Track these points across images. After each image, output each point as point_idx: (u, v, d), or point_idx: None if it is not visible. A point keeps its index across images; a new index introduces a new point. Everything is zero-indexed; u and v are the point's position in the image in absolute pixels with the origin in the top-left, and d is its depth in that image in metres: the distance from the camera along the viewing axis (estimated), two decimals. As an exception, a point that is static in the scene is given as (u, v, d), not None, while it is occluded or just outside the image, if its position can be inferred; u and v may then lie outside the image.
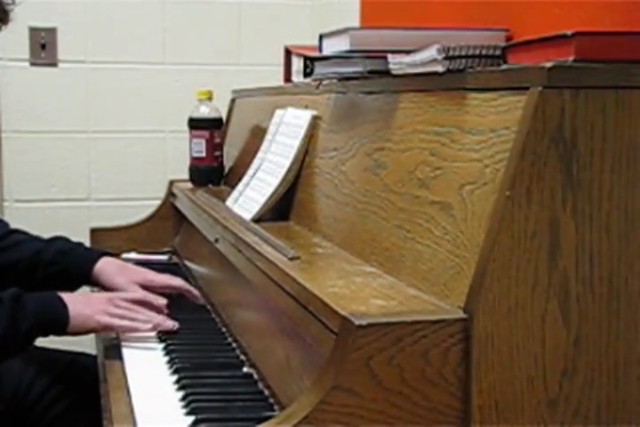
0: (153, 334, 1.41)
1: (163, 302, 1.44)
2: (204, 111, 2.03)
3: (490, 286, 0.83)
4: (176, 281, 1.60)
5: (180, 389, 1.18)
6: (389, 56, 1.12)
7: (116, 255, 1.94)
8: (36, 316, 1.29)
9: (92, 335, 1.46)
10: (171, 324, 1.41)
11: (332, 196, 1.29)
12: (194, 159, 2.06)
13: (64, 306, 1.33)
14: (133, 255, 2.02)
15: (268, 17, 2.66)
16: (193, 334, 1.42)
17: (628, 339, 0.87)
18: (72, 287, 1.61)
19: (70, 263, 1.60)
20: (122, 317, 1.37)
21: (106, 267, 1.59)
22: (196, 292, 1.60)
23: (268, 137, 1.61)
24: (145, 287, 1.54)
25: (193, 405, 1.11)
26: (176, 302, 1.52)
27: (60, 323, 1.32)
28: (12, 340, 1.27)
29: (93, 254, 1.63)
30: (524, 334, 0.84)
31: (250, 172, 1.61)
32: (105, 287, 1.58)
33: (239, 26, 2.66)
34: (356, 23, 2.12)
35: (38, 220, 2.48)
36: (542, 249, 0.84)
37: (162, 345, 1.37)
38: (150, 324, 1.38)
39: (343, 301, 0.90)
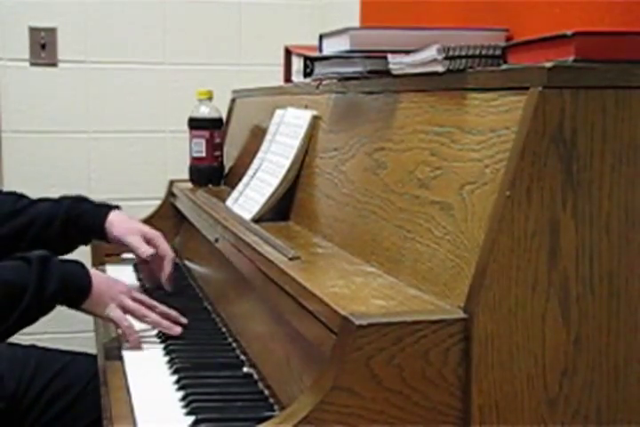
0: (153, 333, 1.41)
1: (174, 313, 1.46)
2: (204, 111, 2.03)
3: (490, 286, 0.83)
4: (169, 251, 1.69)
5: (180, 389, 1.18)
6: (389, 56, 1.12)
7: (116, 256, 1.95)
8: (61, 283, 1.30)
9: (92, 335, 1.46)
10: (177, 329, 1.41)
11: (332, 196, 1.29)
12: (194, 159, 2.06)
13: (89, 280, 1.34)
14: (133, 255, 2.01)
15: (268, 17, 2.66)
16: (193, 334, 1.42)
17: (628, 339, 0.87)
18: (85, 242, 1.73)
19: (83, 220, 1.67)
20: (132, 312, 1.38)
21: (112, 224, 1.67)
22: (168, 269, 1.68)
23: (268, 137, 1.61)
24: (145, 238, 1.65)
25: (193, 405, 1.11)
26: (176, 302, 1.52)
27: (80, 295, 1.33)
28: (39, 301, 1.28)
29: (102, 209, 1.70)
30: (523, 334, 0.84)
31: (250, 172, 1.61)
32: (112, 239, 1.67)
33: (239, 26, 2.66)
34: (356, 23, 2.12)
35: (38, 220, 2.48)
36: (542, 249, 0.84)
37: (162, 345, 1.37)
38: (140, 345, 1.38)
39: (343, 301, 0.90)
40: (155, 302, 1.45)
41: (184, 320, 1.44)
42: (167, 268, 1.66)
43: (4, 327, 1.26)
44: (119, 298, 1.37)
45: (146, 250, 1.63)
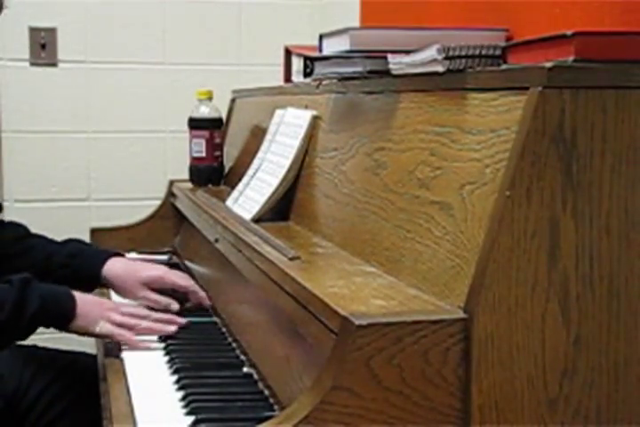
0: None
1: (175, 306, 1.45)
2: (204, 111, 2.03)
3: (490, 286, 0.83)
4: (184, 280, 1.59)
5: (179, 389, 1.18)
6: (389, 56, 1.12)
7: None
8: (42, 303, 1.29)
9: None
10: (171, 329, 1.40)
11: (332, 196, 1.29)
12: (194, 159, 2.06)
13: (72, 301, 1.33)
14: (133, 255, 2.02)
15: (268, 17, 2.66)
16: (193, 334, 1.42)
17: (628, 339, 0.87)
18: (85, 289, 1.59)
19: (80, 266, 1.60)
20: (122, 325, 1.37)
21: (113, 269, 1.59)
22: (202, 293, 1.59)
23: (268, 137, 1.61)
24: (152, 287, 1.55)
25: (193, 405, 1.11)
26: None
27: (64, 316, 1.32)
28: (16, 323, 1.27)
29: (102, 255, 1.63)
30: (523, 334, 0.84)
31: (250, 172, 1.61)
32: (114, 289, 1.60)
33: (239, 26, 2.66)
34: (356, 23, 2.12)
35: (38, 220, 2.47)
36: (542, 249, 0.84)
37: (162, 345, 1.37)
38: (144, 343, 1.37)
39: (343, 301, 0.90)
40: (147, 312, 1.44)
41: (182, 321, 1.44)
42: (196, 293, 1.59)
43: None
44: (107, 315, 1.36)
45: (167, 304, 1.53)
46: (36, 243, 1.67)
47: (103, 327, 1.35)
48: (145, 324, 1.39)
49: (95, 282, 1.61)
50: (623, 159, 0.85)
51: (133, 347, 1.36)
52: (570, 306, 0.85)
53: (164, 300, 1.53)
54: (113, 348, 1.37)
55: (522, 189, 0.83)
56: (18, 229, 1.71)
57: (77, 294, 1.36)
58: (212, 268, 1.73)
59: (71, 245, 1.66)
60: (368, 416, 0.83)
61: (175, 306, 1.52)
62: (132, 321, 1.39)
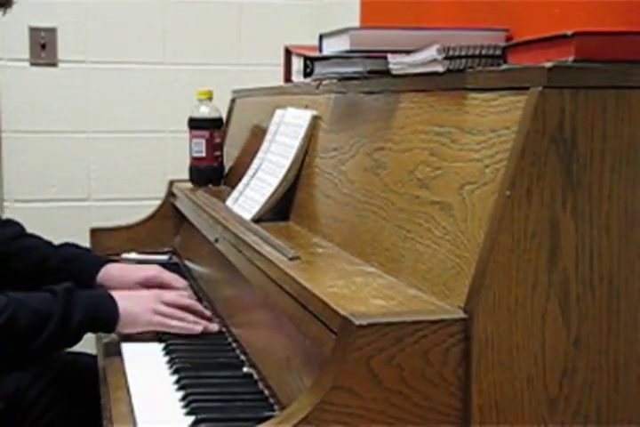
0: (153, 333, 1.41)
1: (208, 312, 1.47)
2: (204, 111, 2.03)
3: (490, 286, 0.83)
4: (176, 282, 1.60)
5: (180, 389, 1.18)
6: (389, 56, 1.12)
7: (116, 255, 1.95)
8: (87, 311, 1.31)
9: (92, 335, 1.46)
10: (215, 326, 1.43)
11: (332, 196, 1.29)
12: (194, 159, 2.06)
13: (114, 303, 1.35)
14: (133, 255, 2.02)
15: (268, 17, 2.66)
16: (193, 334, 1.42)
17: (628, 339, 0.87)
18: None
19: (74, 271, 1.61)
20: (171, 316, 1.39)
21: (108, 273, 1.61)
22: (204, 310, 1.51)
23: (268, 137, 1.61)
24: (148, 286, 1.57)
25: (193, 405, 1.11)
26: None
27: (109, 319, 1.34)
28: (64, 333, 1.28)
29: (98, 261, 1.64)
30: (524, 334, 0.84)
31: (250, 172, 1.61)
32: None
33: (239, 26, 2.66)
34: (356, 23, 2.12)
35: (38, 220, 2.47)
36: (542, 249, 0.84)
37: (162, 345, 1.37)
38: (200, 326, 1.40)
39: (343, 301, 0.90)
40: (190, 300, 1.46)
41: (215, 328, 1.43)
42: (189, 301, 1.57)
43: (28, 354, 1.27)
44: (151, 307, 1.38)
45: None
46: (32, 243, 1.68)
47: (152, 320, 1.37)
48: (191, 318, 1.41)
49: (90, 287, 1.60)
50: (623, 159, 0.85)
51: (189, 331, 1.38)
52: (570, 306, 0.85)
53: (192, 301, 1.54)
54: (113, 348, 1.37)
55: (522, 189, 0.83)
56: (14, 228, 1.71)
57: (116, 294, 1.37)
58: (212, 268, 1.73)
59: (66, 249, 1.67)
60: (368, 416, 0.83)
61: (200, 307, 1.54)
62: (178, 314, 1.40)
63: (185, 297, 1.48)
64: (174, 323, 1.39)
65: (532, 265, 0.84)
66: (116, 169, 2.59)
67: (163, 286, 1.57)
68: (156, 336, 1.41)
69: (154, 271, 1.60)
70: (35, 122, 2.51)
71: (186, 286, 1.61)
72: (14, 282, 1.62)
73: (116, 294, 1.38)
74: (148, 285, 1.57)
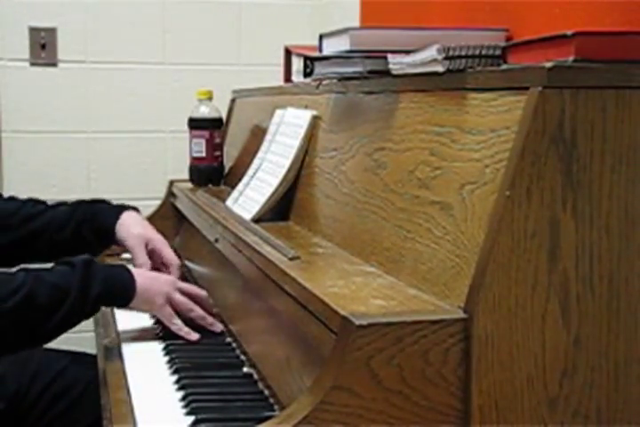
0: (153, 333, 1.41)
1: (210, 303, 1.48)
2: (204, 111, 2.03)
3: (490, 286, 0.83)
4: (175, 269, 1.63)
5: (180, 389, 1.18)
6: (389, 56, 1.12)
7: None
8: (105, 283, 1.32)
9: (92, 335, 1.47)
10: (220, 326, 1.43)
11: (332, 196, 1.29)
12: (194, 159, 2.06)
13: (132, 279, 1.35)
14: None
15: (268, 17, 2.66)
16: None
17: (628, 339, 0.87)
18: (100, 245, 1.68)
19: (96, 221, 1.65)
20: (180, 305, 1.40)
21: (121, 227, 1.64)
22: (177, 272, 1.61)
23: (268, 137, 1.61)
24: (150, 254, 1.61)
25: (193, 405, 1.11)
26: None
27: (126, 293, 1.35)
28: (82, 304, 1.29)
29: (116, 209, 1.68)
30: (524, 334, 0.84)
31: (250, 172, 1.61)
32: (117, 241, 1.65)
33: (239, 26, 2.66)
34: (356, 23, 2.12)
35: (38, 220, 2.48)
36: (542, 249, 0.84)
37: (162, 345, 1.37)
38: (197, 335, 1.39)
39: (343, 301, 0.90)
40: (199, 291, 1.47)
41: (219, 328, 1.44)
42: (174, 275, 1.63)
43: (47, 329, 1.27)
44: (165, 291, 1.39)
45: (142, 263, 1.59)
46: (49, 206, 1.71)
47: (162, 311, 1.38)
48: (199, 311, 1.42)
49: (110, 237, 1.64)
50: (623, 159, 0.85)
51: (186, 337, 1.38)
52: (570, 306, 0.85)
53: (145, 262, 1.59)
54: (113, 348, 1.37)
55: (522, 189, 0.83)
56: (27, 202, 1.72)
57: (136, 272, 1.38)
58: (212, 268, 1.73)
59: (83, 206, 1.70)
60: (368, 416, 0.83)
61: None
62: (189, 305, 1.41)
63: (196, 288, 1.49)
64: (178, 323, 1.39)
65: (531, 265, 0.84)
66: (116, 169, 2.59)
67: (156, 252, 1.61)
68: (156, 336, 1.41)
69: (157, 237, 1.64)
70: (35, 122, 2.51)
71: (179, 265, 1.64)
72: (41, 239, 1.64)
73: (134, 270, 1.39)
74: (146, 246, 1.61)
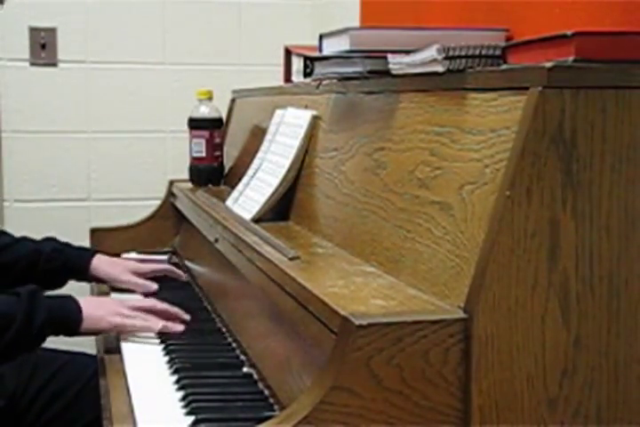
0: (153, 333, 1.41)
1: (175, 309, 1.48)
2: (204, 111, 2.03)
3: (490, 286, 0.83)
4: (161, 265, 1.81)
5: (180, 389, 1.18)
6: (389, 56, 1.12)
7: (117, 255, 1.95)
8: (50, 312, 1.31)
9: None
10: (180, 327, 1.43)
11: (332, 196, 1.29)
12: (194, 159, 2.06)
13: (77, 306, 1.35)
14: (133, 255, 2.02)
15: (268, 17, 2.66)
16: (193, 334, 1.42)
17: (628, 339, 0.87)
18: (72, 279, 1.75)
19: (68, 260, 1.71)
20: (133, 318, 1.40)
21: (100, 262, 1.73)
22: (179, 272, 1.82)
23: (268, 137, 1.61)
24: (137, 274, 1.73)
25: (193, 405, 1.11)
26: (176, 304, 1.52)
27: (73, 321, 1.34)
28: (26, 334, 1.29)
29: (88, 251, 1.78)
30: (524, 334, 0.84)
31: (250, 172, 1.61)
32: (101, 280, 1.73)
33: (239, 26, 2.66)
34: (356, 23, 2.12)
35: (38, 220, 2.48)
36: (542, 249, 0.84)
37: (162, 345, 1.37)
38: (160, 324, 1.40)
39: (343, 301, 0.90)
40: (153, 301, 1.47)
41: (187, 317, 1.46)
42: (163, 266, 1.75)
43: None
44: (114, 310, 1.39)
45: (148, 287, 1.71)
46: (14, 240, 1.75)
47: (112, 321, 1.37)
48: (154, 319, 1.42)
49: (82, 275, 1.72)
50: (623, 159, 0.85)
51: (148, 330, 1.39)
52: (570, 306, 0.85)
53: (146, 283, 1.71)
54: (113, 348, 1.37)
55: (522, 189, 0.83)
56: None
57: (80, 299, 1.38)
58: (212, 268, 1.73)
59: (51, 242, 1.76)
60: (368, 416, 0.83)
61: (154, 286, 1.70)
62: (141, 315, 1.41)
63: (147, 300, 1.52)
64: (132, 322, 1.39)
65: (531, 265, 0.84)
66: (116, 169, 2.59)
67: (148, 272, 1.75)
68: (157, 336, 1.41)
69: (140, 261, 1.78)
70: (35, 122, 2.51)
71: (172, 268, 1.77)
72: (9, 275, 1.68)
73: (80, 298, 1.39)
74: (138, 273, 1.72)
